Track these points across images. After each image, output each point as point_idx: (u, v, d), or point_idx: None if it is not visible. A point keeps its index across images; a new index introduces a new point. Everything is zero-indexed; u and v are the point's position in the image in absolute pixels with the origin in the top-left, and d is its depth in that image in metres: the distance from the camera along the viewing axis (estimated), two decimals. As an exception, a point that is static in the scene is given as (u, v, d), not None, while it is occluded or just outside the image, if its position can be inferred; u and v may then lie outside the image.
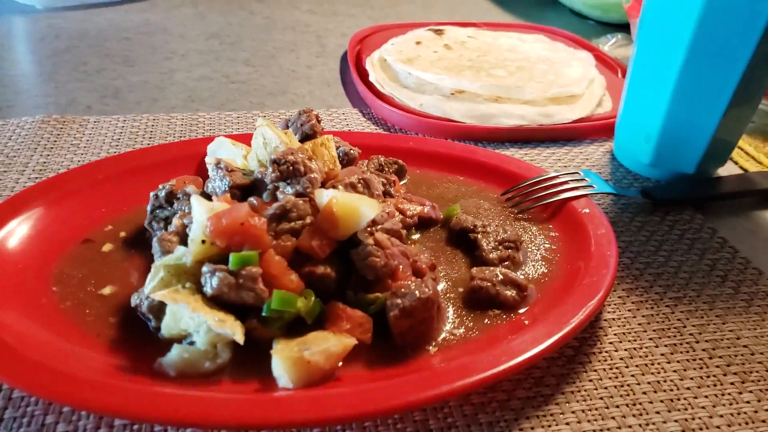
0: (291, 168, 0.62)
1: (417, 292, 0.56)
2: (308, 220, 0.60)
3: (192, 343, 0.54)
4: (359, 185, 0.65)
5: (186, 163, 0.78)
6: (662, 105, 0.83)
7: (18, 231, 0.65)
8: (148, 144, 0.89)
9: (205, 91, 1.04)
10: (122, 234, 0.68)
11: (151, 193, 0.67)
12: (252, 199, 0.62)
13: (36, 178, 0.81)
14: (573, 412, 0.54)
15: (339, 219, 0.58)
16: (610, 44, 1.30)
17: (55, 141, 0.89)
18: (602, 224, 0.70)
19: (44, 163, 0.84)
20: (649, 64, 0.84)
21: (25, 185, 0.79)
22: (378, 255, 0.58)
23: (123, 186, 0.74)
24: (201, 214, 0.56)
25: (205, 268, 0.55)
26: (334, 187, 0.64)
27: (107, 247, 0.67)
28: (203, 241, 0.55)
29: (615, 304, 0.66)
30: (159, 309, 0.56)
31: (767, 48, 0.74)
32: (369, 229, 0.60)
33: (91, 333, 0.57)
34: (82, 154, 0.86)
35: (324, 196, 0.59)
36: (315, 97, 1.06)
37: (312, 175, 0.62)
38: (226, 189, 0.64)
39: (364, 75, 1.08)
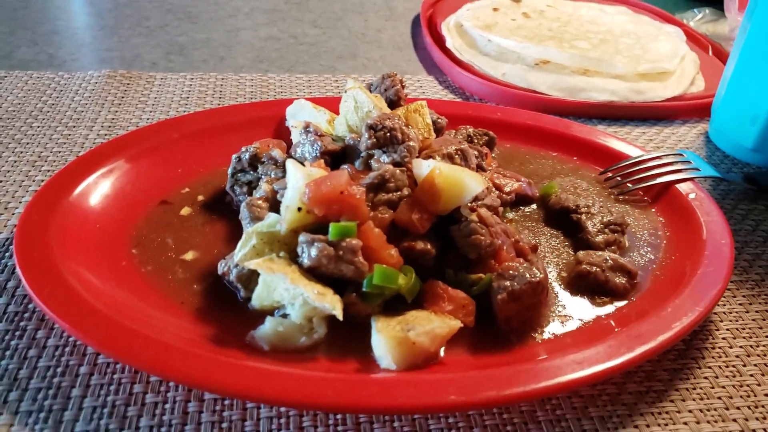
0: (388, 135, 0.57)
1: (527, 274, 0.52)
2: (405, 191, 0.55)
3: (285, 316, 0.50)
4: (456, 156, 0.60)
5: (263, 125, 0.74)
6: (773, 85, 0.76)
7: (95, 189, 0.62)
8: (218, 104, 0.85)
9: (273, 52, 1.00)
10: (200, 198, 0.65)
11: (234, 156, 0.64)
12: (346, 167, 0.58)
13: (105, 135, 0.78)
14: (690, 411, 0.50)
15: (441, 192, 0.54)
16: (696, 19, 1.21)
17: (123, 97, 0.86)
18: (712, 211, 0.64)
19: (112, 119, 0.81)
20: (762, 43, 0.76)
21: (94, 141, 0.76)
22: (482, 233, 0.54)
23: (199, 146, 0.70)
24: (298, 180, 0.52)
25: (302, 238, 0.51)
26: (430, 157, 0.59)
27: (185, 211, 0.63)
28: (299, 209, 0.51)
29: (725, 297, 0.61)
30: (249, 278, 0.53)
31: None
32: (471, 204, 0.56)
33: (174, 299, 0.54)
34: (150, 111, 0.83)
35: (424, 167, 0.55)
36: (387, 62, 1.00)
37: (410, 143, 0.58)
38: (317, 155, 0.59)
39: (438, 41, 1.02)
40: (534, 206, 0.67)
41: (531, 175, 0.71)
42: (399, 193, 0.55)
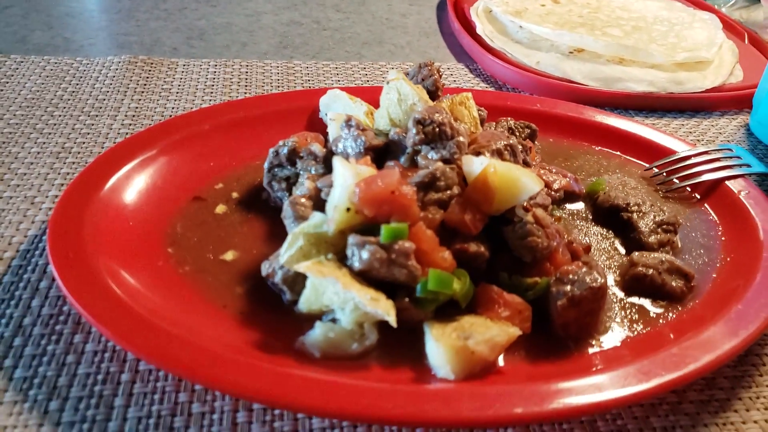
0: (437, 130, 0.55)
1: (587, 279, 0.49)
2: (456, 190, 0.53)
3: (334, 321, 0.48)
4: (506, 153, 0.57)
5: (296, 117, 0.71)
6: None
7: (127, 183, 0.60)
8: (245, 92, 0.82)
9: (296, 37, 0.97)
10: (234, 194, 0.62)
11: (271, 150, 0.61)
12: (392, 164, 0.55)
13: (129, 124, 0.75)
14: (755, 422, 0.48)
15: (496, 191, 0.51)
16: (729, 5, 1.17)
17: (145, 84, 0.83)
18: (767, 209, 0.62)
19: (136, 108, 0.78)
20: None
21: (119, 131, 0.73)
22: (539, 234, 0.51)
23: (231, 139, 0.67)
24: (347, 179, 0.49)
25: (351, 240, 0.48)
26: (478, 153, 0.56)
27: (221, 209, 0.61)
28: (348, 209, 0.49)
29: (780, 300, 0.59)
30: (294, 280, 0.50)
31: None
32: (526, 204, 0.53)
33: (216, 303, 0.51)
34: (175, 100, 0.80)
35: (476, 164, 0.52)
36: (414, 49, 0.97)
37: (460, 139, 0.55)
38: (362, 150, 0.57)
39: (467, 27, 0.98)
40: (581, 204, 0.65)
41: (577, 171, 0.68)
42: (449, 192, 0.53)
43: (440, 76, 0.71)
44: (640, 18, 1.02)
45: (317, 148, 0.60)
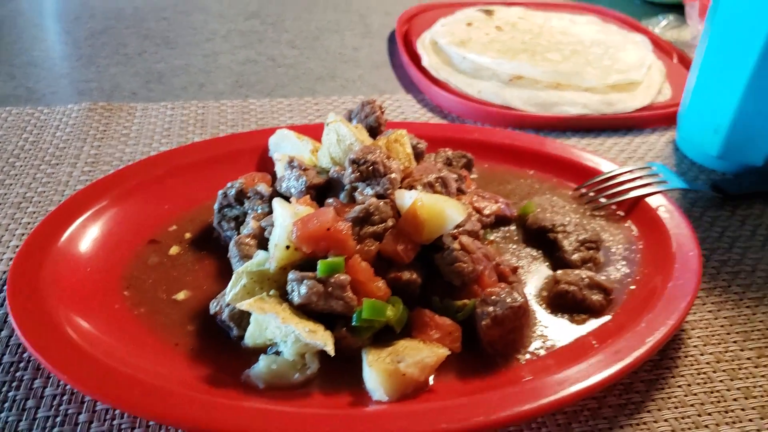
0: (371, 168, 0.59)
1: (508, 299, 0.54)
2: (390, 222, 0.57)
3: (278, 353, 0.52)
4: (437, 185, 0.62)
5: (247, 157, 0.75)
6: (735, 95, 0.79)
7: (83, 232, 0.63)
8: (200, 134, 0.86)
9: (252, 75, 1.01)
10: (187, 235, 0.66)
11: (219, 192, 0.65)
12: (331, 201, 0.60)
13: (89, 171, 0.78)
14: (666, 421, 0.53)
15: (424, 222, 0.56)
16: (661, 26, 1.24)
17: (104, 131, 0.86)
18: (680, 222, 0.67)
19: (96, 155, 0.82)
20: (723, 52, 0.80)
21: (78, 179, 0.77)
22: (465, 260, 0.56)
23: (184, 182, 0.71)
24: (285, 219, 0.54)
25: (291, 276, 0.53)
26: (411, 186, 0.61)
27: (174, 250, 0.64)
28: (287, 247, 0.53)
29: (695, 305, 0.64)
30: (241, 317, 0.54)
31: None
32: (453, 232, 0.58)
33: (169, 341, 0.55)
34: (133, 144, 0.84)
35: (406, 198, 0.57)
36: (365, 82, 1.02)
37: (392, 176, 0.60)
38: (303, 189, 0.61)
39: (415, 58, 1.04)
40: (513, 226, 0.70)
41: (510, 195, 0.73)
42: (384, 224, 0.57)
43: (382, 113, 0.76)
44: (578, 42, 1.08)
45: (263, 188, 0.64)
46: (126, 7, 1.22)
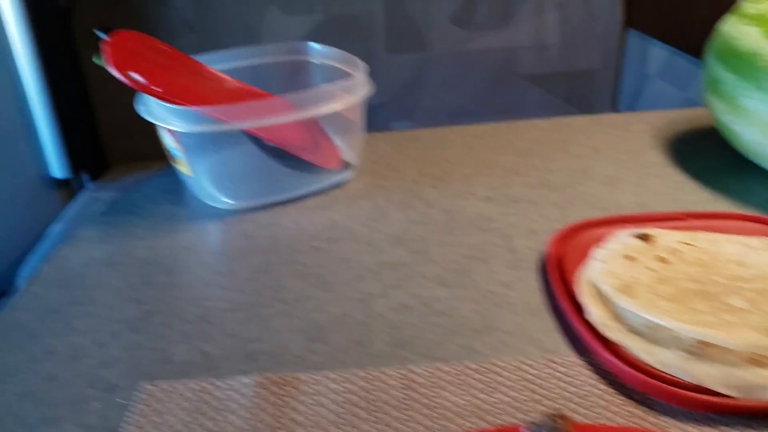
0: None
1: None
2: None
3: None
4: None
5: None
6: None
7: None
8: (373, 420, 0.84)
9: (407, 328, 1.00)
10: None
11: None
12: None
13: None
14: None
15: None
16: None
17: (279, 416, 0.87)
18: None
19: (270, 447, 0.82)
20: None
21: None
22: None
23: None
24: None
25: None
26: None
27: None
28: None
29: None
30: None
31: None
32: None
33: None
34: (305, 435, 0.83)
35: None
36: (525, 335, 0.97)
37: None
38: None
39: (575, 301, 0.99)
40: None
41: None
42: None
43: None
44: (761, 277, 0.97)
45: None
46: (280, 235, 1.28)
